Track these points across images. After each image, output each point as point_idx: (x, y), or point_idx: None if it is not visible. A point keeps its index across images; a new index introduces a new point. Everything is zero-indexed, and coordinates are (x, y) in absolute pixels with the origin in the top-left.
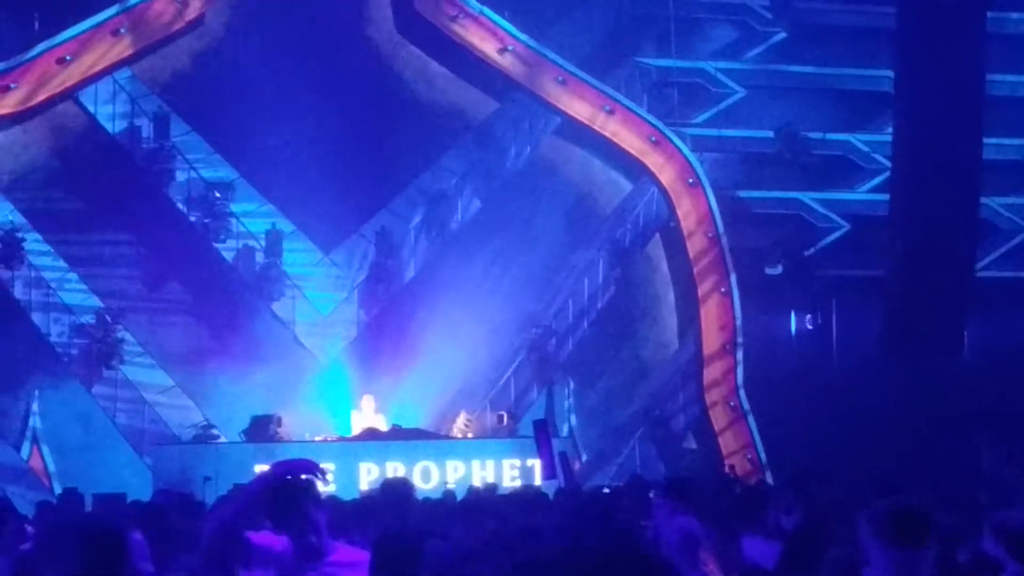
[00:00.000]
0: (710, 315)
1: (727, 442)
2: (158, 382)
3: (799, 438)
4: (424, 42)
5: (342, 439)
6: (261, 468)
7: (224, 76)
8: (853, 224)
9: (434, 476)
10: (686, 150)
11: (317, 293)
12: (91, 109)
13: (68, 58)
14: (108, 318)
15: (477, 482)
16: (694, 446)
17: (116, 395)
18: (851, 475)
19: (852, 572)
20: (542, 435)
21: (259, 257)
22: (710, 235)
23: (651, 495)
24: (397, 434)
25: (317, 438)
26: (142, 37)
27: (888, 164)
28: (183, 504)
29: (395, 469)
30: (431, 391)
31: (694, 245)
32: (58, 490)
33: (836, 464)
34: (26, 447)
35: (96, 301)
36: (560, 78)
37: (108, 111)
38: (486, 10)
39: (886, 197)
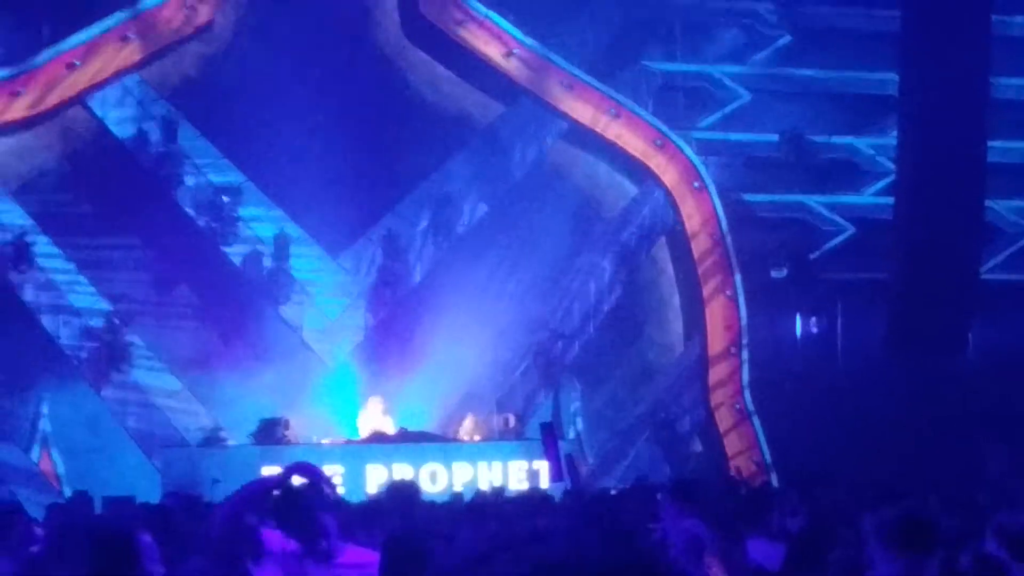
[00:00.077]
0: (715, 316)
1: (732, 443)
2: (166, 385)
3: (804, 440)
4: (430, 46)
5: (349, 442)
6: (269, 470)
7: (232, 81)
8: (858, 227)
9: (441, 479)
10: (691, 154)
11: (325, 297)
12: (99, 114)
13: (76, 63)
14: (117, 321)
15: (484, 485)
16: (700, 449)
17: (126, 398)
18: (855, 477)
19: (856, 574)
20: (549, 438)
21: (267, 261)
22: (715, 237)
23: (658, 497)
24: (404, 437)
25: (325, 441)
26: (150, 42)
27: (893, 167)
28: (191, 506)
29: (402, 472)
30: (438, 394)
31: (698, 246)
32: (68, 493)
33: (840, 466)
34: (35, 450)
35: (105, 304)
36: (566, 82)
37: (116, 116)
38: (492, 14)
39: (891, 200)
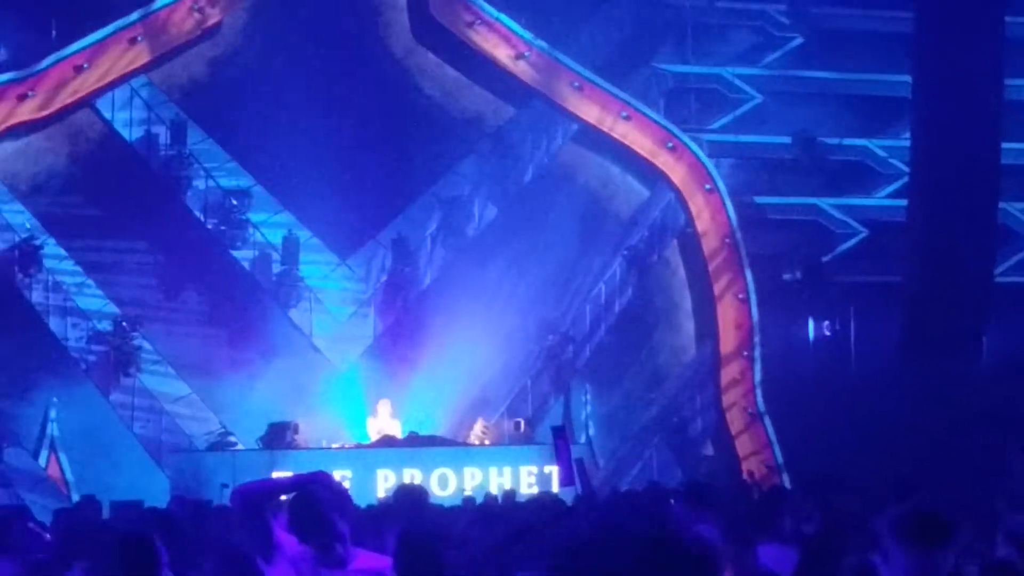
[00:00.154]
0: (726, 315)
1: (744, 445)
2: (175, 389)
3: (817, 444)
4: (441, 49)
5: (359, 446)
6: (279, 475)
7: (241, 83)
8: (871, 230)
9: (451, 483)
10: (703, 156)
11: (334, 300)
12: (108, 116)
13: (84, 66)
14: (125, 325)
15: (494, 489)
16: (712, 452)
17: (133, 403)
18: (869, 481)
19: None
20: (560, 442)
21: (276, 265)
22: (725, 237)
23: (671, 502)
24: (414, 441)
25: (334, 445)
26: (159, 45)
27: (906, 169)
28: (196, 511)
29: (412, 476)
30: (448, 398)
31: (708, 244)
32: (75, 497)
33: (854, 470)
34: (43, 455)
35: (113, 308)
36: (576, 84)
37: (125, 118)
38: (503, 16)
39: (904, 202)
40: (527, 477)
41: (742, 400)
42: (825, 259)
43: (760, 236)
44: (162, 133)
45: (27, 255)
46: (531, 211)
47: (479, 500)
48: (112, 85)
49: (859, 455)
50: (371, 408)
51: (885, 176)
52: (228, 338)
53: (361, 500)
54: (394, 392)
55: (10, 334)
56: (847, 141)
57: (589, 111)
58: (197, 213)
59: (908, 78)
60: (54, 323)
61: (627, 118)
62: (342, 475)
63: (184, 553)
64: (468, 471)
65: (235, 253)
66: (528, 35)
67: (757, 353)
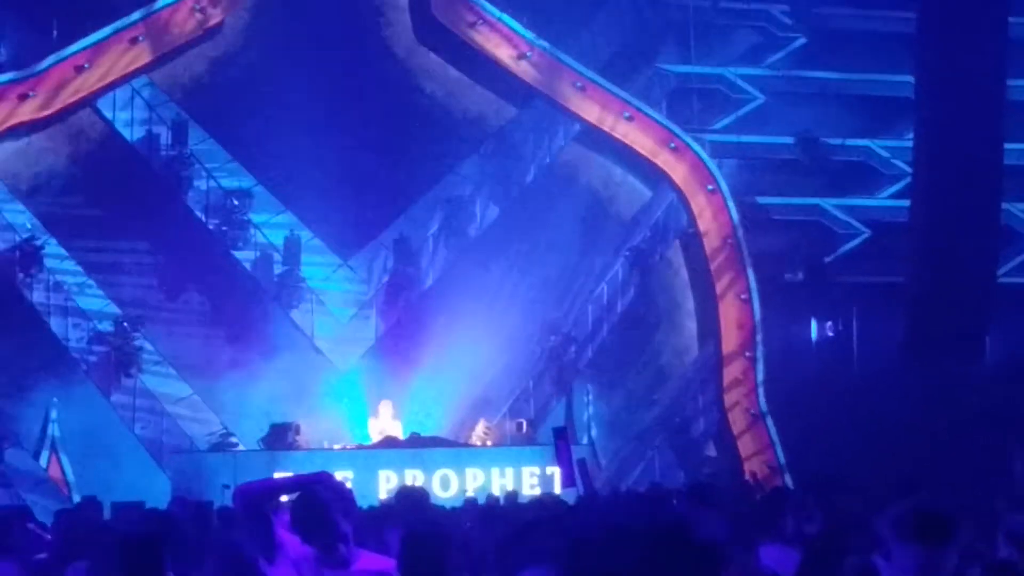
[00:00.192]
0: (728, 314)
1: (746, 445)
2: (176, 390)
3: (819, 444)
4: (443, 49)
5: (361, 447)
6: (281, 476)
7: (242, 83)
8: (873, 230)
9: (453, 484)
10: (706, 157)
11: (336, 301)
12: (109, 116)
13: (85, 66)
14: (126, 325)
15: (496, 490)
16: (714, 454)
17: (134, 403)
18: (871, 481)
19: None
20: (561, 443)
21: (277, 266)
22: (727, 237)
23: (674, 502)
24: (416, 442)
25: (336, 446)
26: (160, 45)
27: (909, 170)
28: (197, 512)
29: (414, 477)
30: (450, 399)
31: (710, 242)
32: (76, 498)
33: (856, 471)
34: (44, 455)
35: (114, 308)
36: (579, 84)
37: (126, 118)
38: (505, 16)
39: (906, 203)
40: (529, 478)
41: (744, 400)
42: (827, 259)
43: (762, 236)
44: (163, 133)
45: (28, 255)
46: (533, 211)
47: (481, 501)
48: (113, 85)
49: (861, 455)
50: (372, 409)
51: (888, 176)
52: (229, 338)
53: (363, 501)
54: (396, 393)
55: (11, 334)
56: (850, 141)
57: (591, 111)
58: (198, 213)
59: (911, 78)
60: (55, 323)
61: (629, 118)
62: (344, 476)
63: (185, 554)
64: (470, 472)
65: (236, 254)
66: (530, 35)
67: (759, 353)
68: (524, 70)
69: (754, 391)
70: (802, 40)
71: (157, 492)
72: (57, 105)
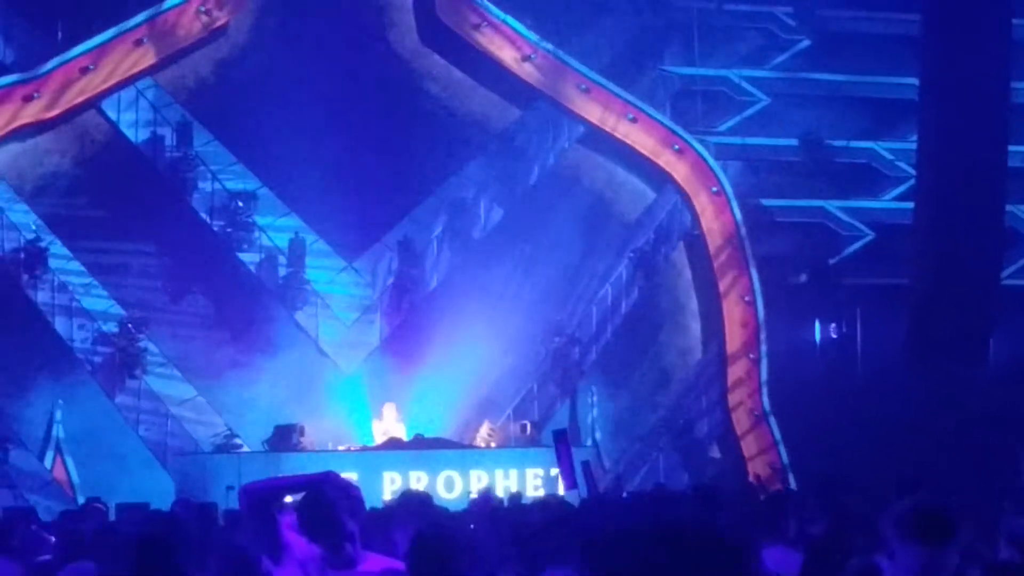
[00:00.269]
0: (732, 313)
1: (749, 446)
2: (180, 392)
3: (823, 446)
4: (447, 51)
5: (365, 448)
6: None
7: (247, 86)
8: (877, 232)
9: (457, 485)
10: (710, 159)
11: (340, 303)
12: (114, 118)
13: (90, 67)
14: (131, 327)
15: (501, 492)
16: (718, 455)
17: (139, 405)
18: (875, 483)
19: None
20: (561, 446)
21: (282, 268)
22: (731, 237)
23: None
24: (420, 443)
25: (340, 447)
26: (165, 46)
27: (912, 172)
28: (200, 514)
29: (419, 478)
30: (454, 400)
31: (713, 240)
32: (81, 499)
33: (860, 472)
34: (49, 456)
35: (119, 309)
36: (583, 86)
37: (131, 120)
38: (509, 19)
39: (911, 205)
40: (533, 480)
41: (748, 400)
42: (832, 261)
43: (766, 239)
44: (168, 135)
45: (33, 256)
46: (537, 213)
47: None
48: (118, 86)
49: (865, 457)
50: (376, 411)
51: (892, 179)
52: (233, 340)
53: (367, 503)
54: (400, 394)
55: (16, 335)
56: (854, 143)
57: (595, 113)
58: (203, 215)
59: (915, 80)
60: (60, 324)
61: (633, 120)
62: (348, 478)
63: (189, 555)
64: (474, 473)
65: (241, 256)
66: (534, 37)
67: (763, 351)
68: (528, 72)
69: (758, 391)
70: (806, 42)
71: (161, 493)
72: (62, 106)
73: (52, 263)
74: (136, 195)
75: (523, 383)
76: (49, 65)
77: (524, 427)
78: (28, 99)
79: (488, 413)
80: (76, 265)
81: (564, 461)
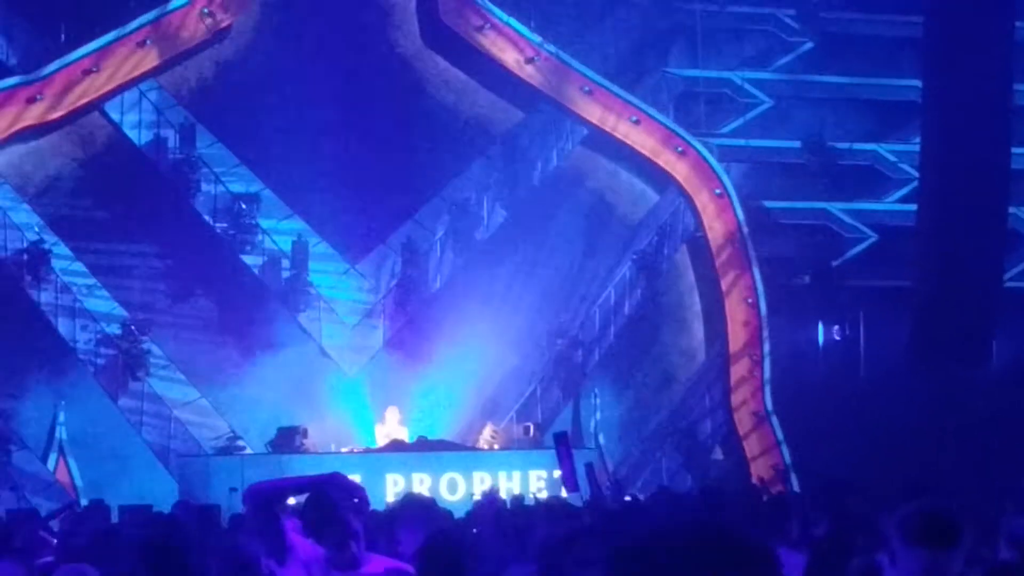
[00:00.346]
0: (734, 312)
1: (752, 447)
2: (183, 394)
3: (826, 448)
4: (450, 52)
5: (368, 450)
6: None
7: (250, 87)
8: (880, 234)
9: (460, 488)
10: (713, 160)
11: (343, 305)
12: (117, 120)
13: (93, 69)
14: (133, 328)
15: (504, 494)
16: (721, 457)
17: (142, 408)
18: (878, 485)
19: None
20: (562, 448)
21: (285, 270)
22: (733, 239)
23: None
24: (423, 446)
25: (343, 450)
26: (168, 48)
27: (915, 174)
28: (201, 516)
29: (422, 480)
30: (457, 402)
31: (715, 239)
32: (84, 501)
33: (863, 474)
34: (52, 458)
35: (122, 311)
36: (586, 88)
37: (134, 121)
38: (512, 20)
39: (914, 207)
40: (536, 482)
41: (751, 400)
42: (835, 263)
43: (769, 241)
44: (171, 136)
45: (36, 257)
46: (540, 215)
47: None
48: (121, 88)
49: (868, 458)
50: (379, 415)
51: (895, 181)
52: (237, 342)
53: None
54: (403, 396)
55: (18, 336)
56: (857, 145)
57: (598, 115)
58: (206, 217)
59: (918, 82)
60: (63, 325)
61: (636, 122)
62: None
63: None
64: (477, 476)
65: (244, 258)
66: (537, 39)
67: (766, 350)
68: (531, 74)
69: (760, 390)
70: (809, 44)
71: (164, 496)
72: (65, 108)
73: (55, 264)
74: (139, 197)
75: (526, 385)
76: (52, 67)
77: (527, 429)
78: (31, 101)
79: (491, 415)
80: (79, 267)
81: (565, 463)
